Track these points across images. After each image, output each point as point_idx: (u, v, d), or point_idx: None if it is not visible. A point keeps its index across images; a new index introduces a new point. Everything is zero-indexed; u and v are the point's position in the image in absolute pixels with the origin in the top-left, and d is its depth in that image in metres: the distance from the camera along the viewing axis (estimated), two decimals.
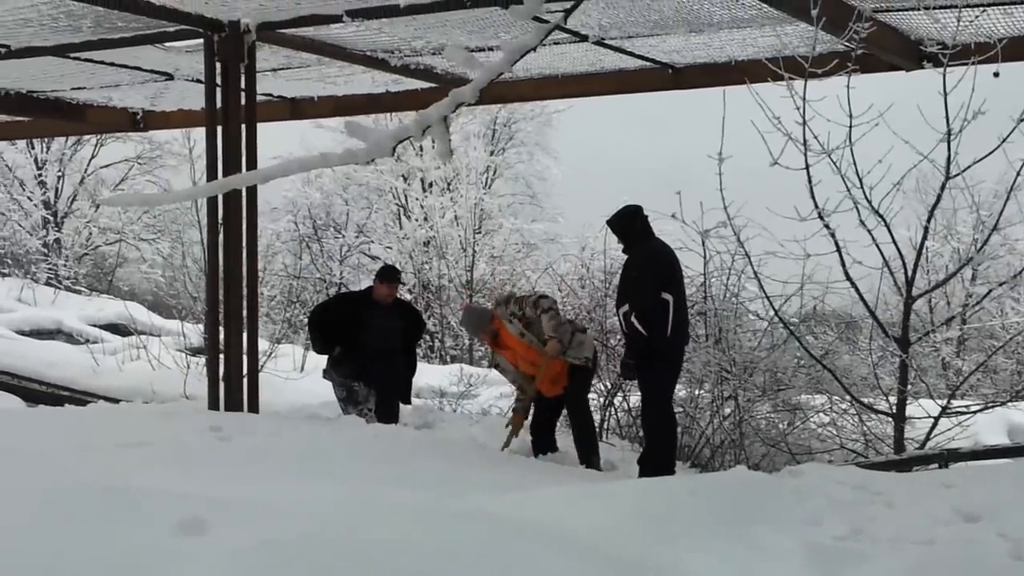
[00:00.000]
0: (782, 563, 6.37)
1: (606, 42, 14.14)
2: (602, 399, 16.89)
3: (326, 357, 14.92)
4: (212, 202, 13.81)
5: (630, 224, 12.82)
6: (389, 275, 15.14)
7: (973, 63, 12.83)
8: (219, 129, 13.60)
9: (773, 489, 7.82)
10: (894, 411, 14.62)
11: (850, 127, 13.24)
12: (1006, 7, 12.40)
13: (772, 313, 15.70)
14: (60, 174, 45.80)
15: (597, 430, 14.17)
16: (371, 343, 14.43)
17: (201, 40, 13.59)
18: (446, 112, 4.03)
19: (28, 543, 5.75)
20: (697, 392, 16.29)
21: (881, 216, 13.73)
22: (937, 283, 17.49)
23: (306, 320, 19.23)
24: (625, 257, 13.20)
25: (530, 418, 14.01)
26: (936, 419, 14.87)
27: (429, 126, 4.03)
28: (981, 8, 12.42)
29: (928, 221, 14.75)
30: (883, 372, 16.10)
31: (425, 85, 16.31)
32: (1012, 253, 24.49)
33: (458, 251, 41.84)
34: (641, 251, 12.70)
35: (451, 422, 15.80)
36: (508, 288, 35.78)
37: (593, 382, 15.02)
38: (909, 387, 14.77)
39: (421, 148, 42.88)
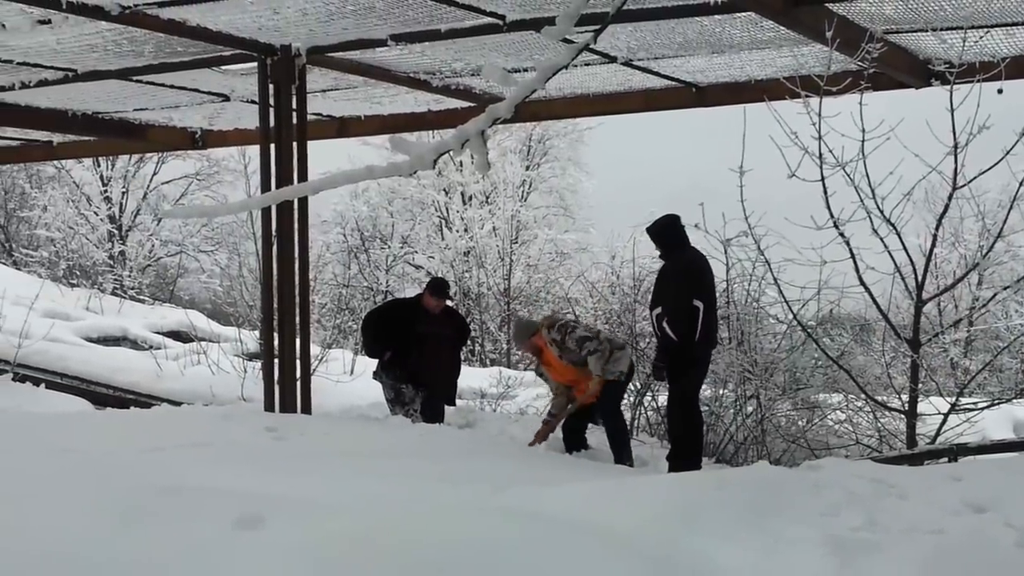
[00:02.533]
0: (803, 552, 6.35)
1: (634, 63, 14.12)
2: (632, 398, 16.84)
3: (377, 360, 14.87)
4: (266, 215, 13.84)
5: (669, 233, 12.74)
6: (439, 289, 15.01)
7: (978, 81, 12.82)
8: (272, 147, 13.65)
9: (793, 483, 7.79)
10: (906, 408, 14.57)
11: (863, 141, 13.21)
12: (1008, 28, 12.35)
13: (791, 317, 15.61)
14: (124, 190, 45.95)
15: (629, 429, 14.09)
16: (419, 347, 14.39)
17: (255, 64, 13.65)
18: (483, 127, 4.01)
19: (96, 538, 5.76)
20: (721, 391, 16.23)
21: (892, 225, 13.69)
22: (945, 287, 17.41)
23: (355, 326, 19.24)
24: (659, 264, 13.15)
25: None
26: (946, 416, 14.82)
27: (468, 140, 4.01)
28: (985, 29, 12.37)
29: (936, 229, 14.69)
30: (895, 372, 16.04)
31: (465, 104, 16.29)
32: (1016, 259, 24.27)
33: (496, 260, 41.87)
34: (678, 259, 12.61)
35: (491, 421, 15.76)
36: (547, 297, 35.89)
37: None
38: (920, 386, 14.72)
39: (461, 163, 42.91)
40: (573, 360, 13.31)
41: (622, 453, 13.10)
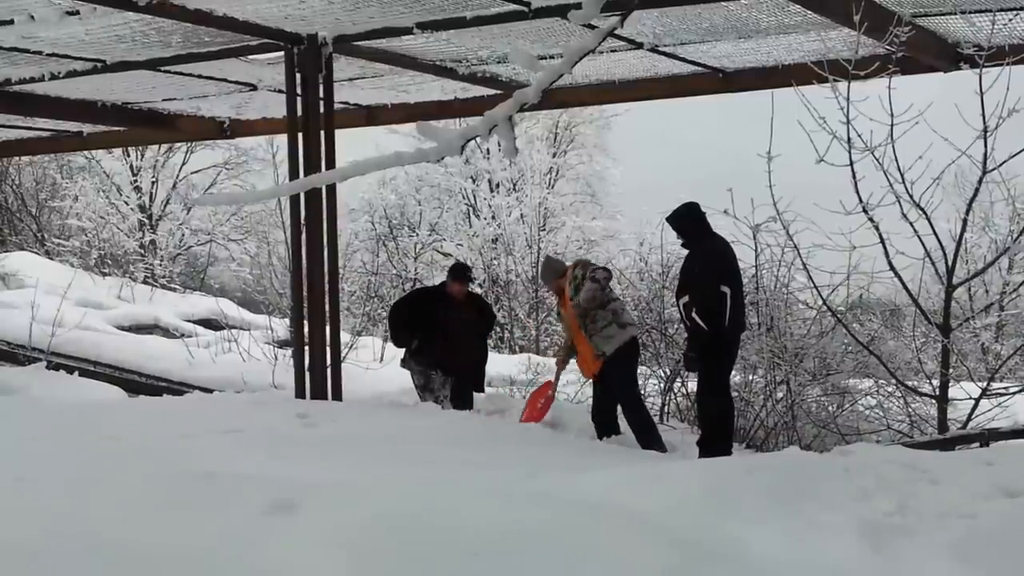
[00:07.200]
0: (834, 537, 6.32)
1: (660, 49, 14.10)
2: (662, 384, 16.84)
3: (404, 348, 14.90)
4: (295, 204, 13.86)
5: (689, 221, 12.68)
6: (459, 274, 15.15)
7: (1008, 64, 12.79)
8: (300, 135, 13.66)
9: (824, 468, 7.76)
10: (937, 393, 14.54)
11: (891, 125, 13.18)
12: None
13: (820, 302, 15.59)
14: (154, 180, 45.96)
15: (652, 417, 13.96)
16: (446, 335, 14.41)
17: (282, 53, 13.68)
18: (511, 112, 3.99)
19: (131, 524, 5.77)
20: (751, 377, 16.21)
21: (922, 209, 13.65)
22: (976, 272, 17.30)
23: (384, 314, 19.22)
24: (683, 249, 13.09)
25: (590, 403, 14.02)
26: (977, 400, 14.77)
27: (495, 125, 3.99)
28: (1014, 11, 12.32)
29: (967, 213, 14.59)
30: (926, 357, 15.97)
31: (491, 92, 16.30)
32: None
33: (524, 248, 41.91)
34: (701, 248, 12.54)
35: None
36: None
37: (643, 371, 15.00)
38: (951, 370, 14.67)
39: (488, 151, 42.96)
40: (580, 314, 13.18)
41: (647, 440, 13.01)
